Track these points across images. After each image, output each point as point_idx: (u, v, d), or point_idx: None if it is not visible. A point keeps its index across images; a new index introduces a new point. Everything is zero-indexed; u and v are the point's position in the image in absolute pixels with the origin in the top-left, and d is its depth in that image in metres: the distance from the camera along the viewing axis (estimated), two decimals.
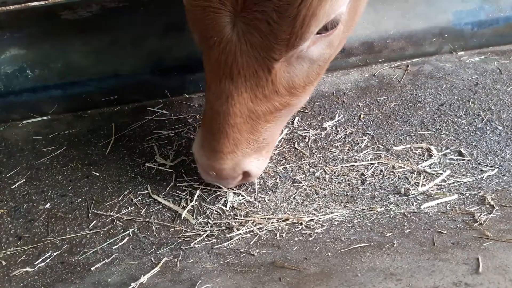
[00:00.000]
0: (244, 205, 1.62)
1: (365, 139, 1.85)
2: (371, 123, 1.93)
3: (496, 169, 1.65)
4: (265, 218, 1.55)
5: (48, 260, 1.48)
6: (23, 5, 2.04)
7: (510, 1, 2.30)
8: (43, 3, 2.13)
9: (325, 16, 1.16)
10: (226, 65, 1.24)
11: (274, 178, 1.71)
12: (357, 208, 1.55)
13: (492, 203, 1.46)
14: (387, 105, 2.03)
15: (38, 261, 1.47)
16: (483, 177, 1.62)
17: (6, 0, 2.03)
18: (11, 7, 2.06)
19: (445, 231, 1.36)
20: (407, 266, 1.19)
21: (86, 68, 2.08)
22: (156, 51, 2.14)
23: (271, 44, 1.18)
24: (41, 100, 2.07)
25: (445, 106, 2.00)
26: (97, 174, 1.80)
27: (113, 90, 2.12)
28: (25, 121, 2.06)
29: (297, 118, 1.97)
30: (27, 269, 1.45)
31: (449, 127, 1.88)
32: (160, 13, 2.15)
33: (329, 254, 1.32)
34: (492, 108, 1.95)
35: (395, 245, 1.31)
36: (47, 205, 1.68)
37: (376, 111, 2.00)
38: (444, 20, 2.29)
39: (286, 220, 1.53)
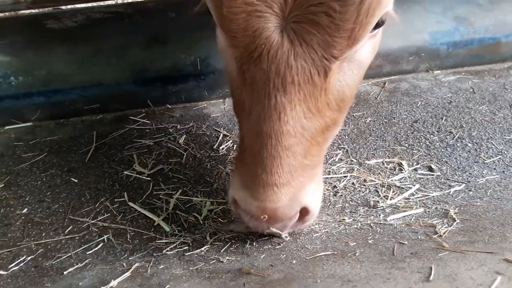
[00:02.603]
0: (219, 213, 1.66)
1: (339, 153, 1.90)
2: (346, 137, 1.99)
3: (463, 185, 1.71)
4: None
5: (22, 264, 1.50)
6: (7, 13, 2.09)
7: (484, 23, 2.39)
8: (29, 12, 2.17)
9: (386, 5, 1.14)
10: (277, 75, 1.15)
11: None
12: (326, 219, 1.59)
13: (454, 216, 1.51)
14: (363, 120, 2.09)
15: (12, 265, 1.49)
16: (450, 191, 1.68)
17: None
18: None
19: (406, 242, 1.41)
20: (365, 273, 1.23)
21: (70, 77, 2.13)
22: (139, 61, 2.19)
23: (332, 39, 1.12)
24: (24, 106, 2.11)
25: (419, 122, 2.06)
26: (76, 181, 1.83)
27: (95, 99, 2.17)
28: (7, 127, 2.10)
29: None
30: (1, 272, 1.47)
31: (421, 143, 1.94)
32: (144, 24, 2.21)
33: (294, 261, 1.36)
34: (464, 126, 2.02)
35: (356, 254, 1.36)
36: (25, 210, 1.70)
37: (352, 126, 2.06)
38: (421, 39, 2.38)
39: None
